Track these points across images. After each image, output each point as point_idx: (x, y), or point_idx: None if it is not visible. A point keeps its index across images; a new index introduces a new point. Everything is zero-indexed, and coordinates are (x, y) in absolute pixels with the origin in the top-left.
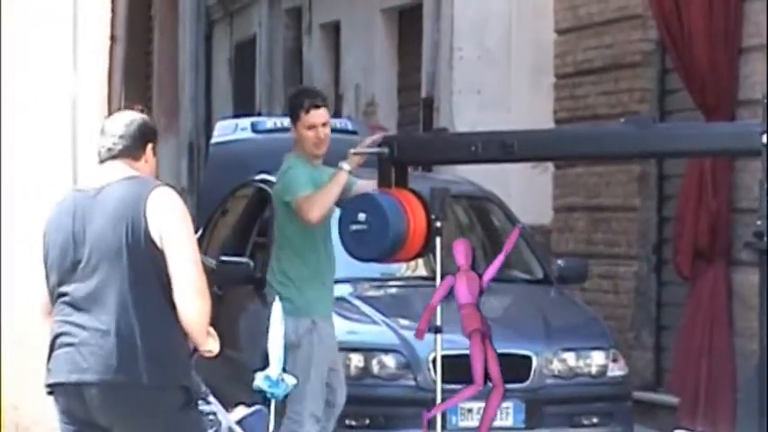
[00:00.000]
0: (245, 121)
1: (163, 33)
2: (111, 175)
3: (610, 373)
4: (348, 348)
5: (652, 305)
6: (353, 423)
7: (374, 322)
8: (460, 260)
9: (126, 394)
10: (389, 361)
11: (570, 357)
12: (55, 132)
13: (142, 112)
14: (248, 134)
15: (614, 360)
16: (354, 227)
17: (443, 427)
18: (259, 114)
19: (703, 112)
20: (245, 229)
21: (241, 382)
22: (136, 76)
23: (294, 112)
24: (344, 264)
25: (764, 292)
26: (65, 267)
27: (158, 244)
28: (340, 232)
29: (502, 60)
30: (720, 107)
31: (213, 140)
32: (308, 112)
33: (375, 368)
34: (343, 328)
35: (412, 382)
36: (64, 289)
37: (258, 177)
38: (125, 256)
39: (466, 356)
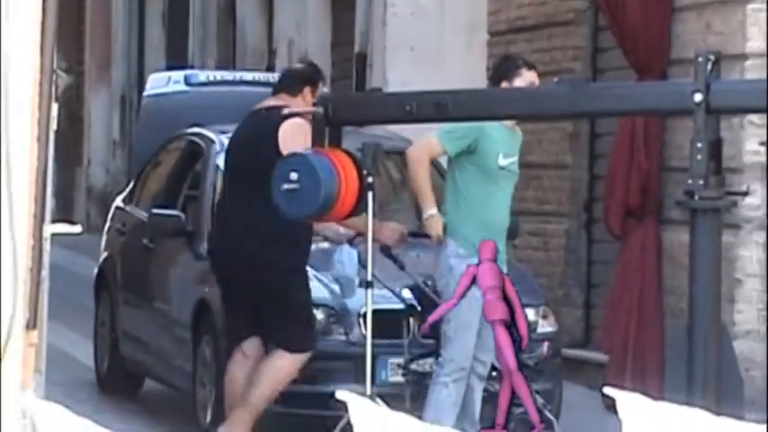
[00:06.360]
0: (179, 74)
1: None
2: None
3: (540, 330)
4: None
5: (582, 263)
6: None
7: None
8: (485, 255)
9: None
10: (320, 315)
11: None
12: None
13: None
14: (181, 87)
15: (544, 317)
16: (286, 186)
17: (373, 381)
18: (192, 68)
19: (636, 71)
20: (177, 182)
21: (169, 333)
22: (68, 28)
23: (510, 70)
24: None
25: (694, 251)
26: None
27: None
28: (272, 192)
29: (435, 17)
30: (652, 66)
31: (146, 93)
32: (529, 69)
33: None
34: None
35: (342, 337)
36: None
37: (191, 130)
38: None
39: (395, 312)
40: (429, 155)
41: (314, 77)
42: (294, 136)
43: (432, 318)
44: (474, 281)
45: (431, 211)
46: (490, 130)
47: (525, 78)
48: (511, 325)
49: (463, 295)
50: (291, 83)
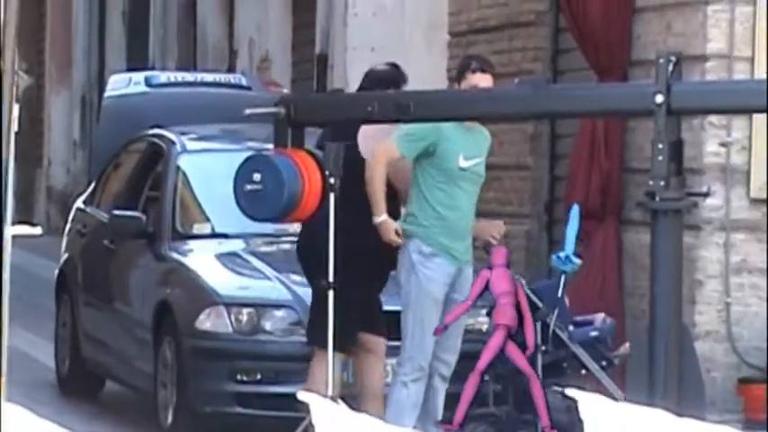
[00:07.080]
0: (139, 75)
1: None
2: None
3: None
4: (240, 304)
5: (543, 264)
6: (245, 378)
7: (266, 278)
8: (498, 260)
9: None
10: (281, 316)
11: None
12: None
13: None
14: (142, 88)
15: None
16: (249, 187)
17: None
18: (152, 68)
19: (596, 72)
20: (137, 184)
21: (130, 335)
22: (29, 28)
23: (461, 72)
24: (237, 219)
25: (655, 252)
26: None
27: None
28: (235, 192)
29: (396, 18)
30: (613, 67)
31: (106, 94)
32: (474, 72)
33: (267, 324)
34: (235, 284)
35: (303, 338)
36: None
37: (152, 132)
38: None
39: None
40: (386, 158)
41: (396, 79)
42: (375, 135)
43: (448, 319)
44: (487, 286)
45: (379, 218)
46: (448, 132)
47: (469, 82)
48: (517, 333)
49: (477, 299)
50: (372, 86)
